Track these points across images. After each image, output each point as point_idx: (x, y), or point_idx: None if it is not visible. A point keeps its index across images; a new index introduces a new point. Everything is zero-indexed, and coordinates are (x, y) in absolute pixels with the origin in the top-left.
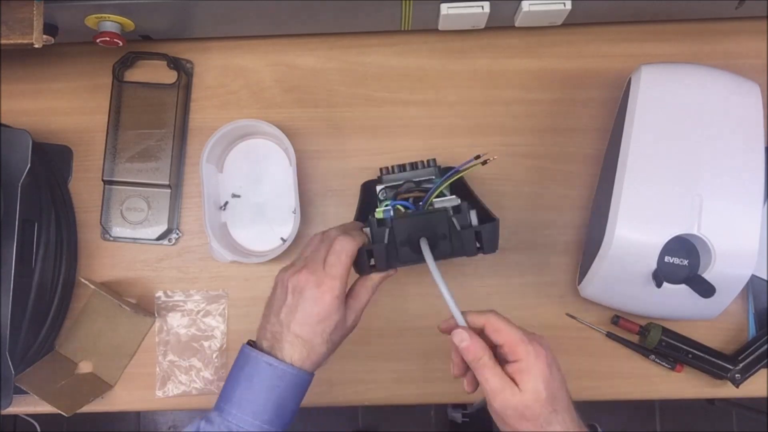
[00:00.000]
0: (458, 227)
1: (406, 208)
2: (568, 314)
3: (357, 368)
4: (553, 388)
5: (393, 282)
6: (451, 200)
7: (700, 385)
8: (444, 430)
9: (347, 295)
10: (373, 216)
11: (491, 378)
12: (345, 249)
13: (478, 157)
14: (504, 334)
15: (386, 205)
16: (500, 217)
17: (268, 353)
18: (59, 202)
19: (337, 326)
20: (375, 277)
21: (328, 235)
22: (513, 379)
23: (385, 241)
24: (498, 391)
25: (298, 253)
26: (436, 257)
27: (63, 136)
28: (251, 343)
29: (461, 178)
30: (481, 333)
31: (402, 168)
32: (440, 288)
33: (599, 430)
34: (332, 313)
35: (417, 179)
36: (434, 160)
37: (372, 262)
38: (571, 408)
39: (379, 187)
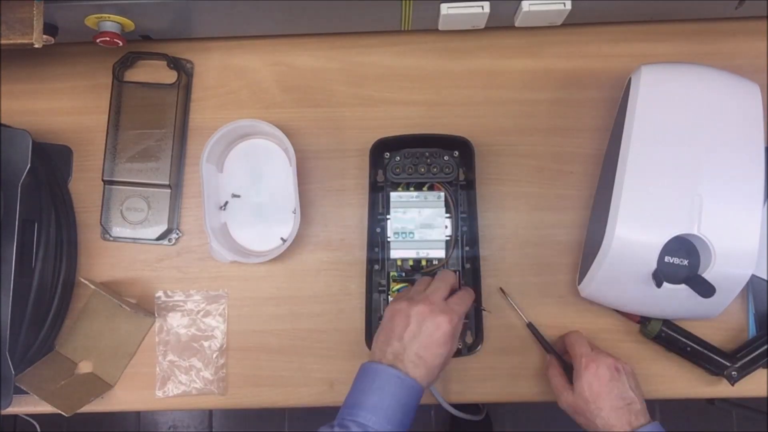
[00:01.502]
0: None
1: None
2: (529, 324)
3: (357, 368)
4: (596, 392)
5: None
6: None
7: (699, 385)
8: (444, 430)
9: None
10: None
11: (556, 383)
12: (471, 297)
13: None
14: (572, 349)
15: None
16: (500, 216)
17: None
18: (59, 202)
19: (450, 352)
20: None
21: (448, 278)
22: (573, 383)
23: None
24: (560, 392)
25: (405, 291)
26: None
27: (63, 136)
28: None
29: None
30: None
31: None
32: None
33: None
34: (450, 341)
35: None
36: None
37: None
38: (626, 411)
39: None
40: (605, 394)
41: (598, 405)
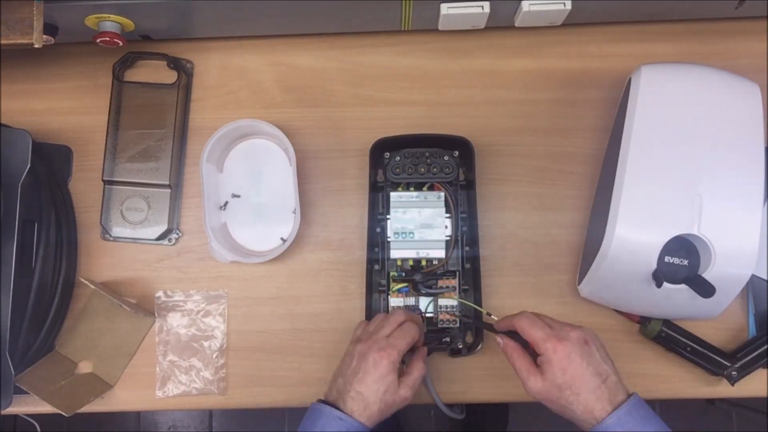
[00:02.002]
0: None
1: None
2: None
3: None
4: (571, 377)
5: None
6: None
7: (699, 385)
8: (444, 430)
9: (403, 373)
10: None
11: (520, 366)
12: (411, 331)
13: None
14: (528, 335)
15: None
16: (501, 216)
17: (335, 407)
18: (59, 202)
19: (389, 389)
20: (422, 351)
21: (396, 317)
22: (541, 369)
23: None
24: (526, 378)
25: (362, 329)
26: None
27: (63, 136)
28: (320, 401)
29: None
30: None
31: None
32: None
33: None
34: (386, 375)
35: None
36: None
37: None
38: (604, 389)
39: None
40: (580, 376)
41: (574, 390)
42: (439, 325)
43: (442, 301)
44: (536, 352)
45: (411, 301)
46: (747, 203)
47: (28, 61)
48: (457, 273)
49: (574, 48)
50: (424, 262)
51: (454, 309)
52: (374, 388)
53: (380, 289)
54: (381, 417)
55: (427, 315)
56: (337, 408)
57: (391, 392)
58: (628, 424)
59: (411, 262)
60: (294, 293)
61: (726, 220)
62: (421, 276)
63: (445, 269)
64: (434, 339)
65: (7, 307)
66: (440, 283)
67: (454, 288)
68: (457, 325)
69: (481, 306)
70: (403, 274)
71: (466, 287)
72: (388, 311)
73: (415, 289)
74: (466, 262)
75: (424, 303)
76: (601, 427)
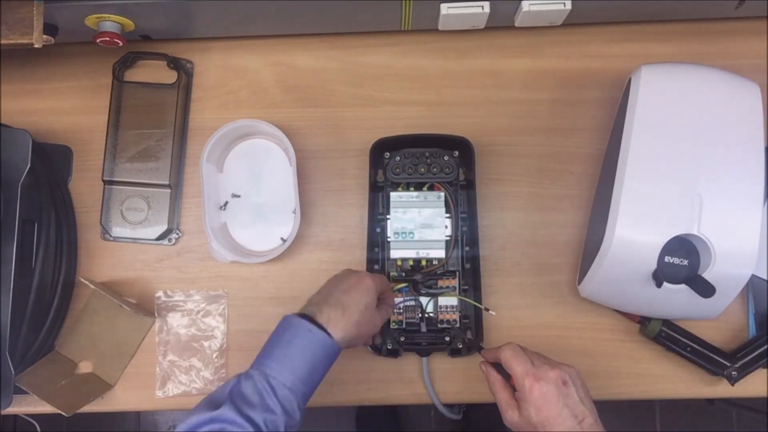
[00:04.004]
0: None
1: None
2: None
3: (357, 368)
4: (545, 417)
5: None
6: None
7: (699, 385)
8: (444, 430)
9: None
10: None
11: (500, 398)
12: (385, 279)
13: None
14: (509, 367)
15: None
16: (501, 216)
17: (309, 321)
18: (59, 202)
19: (369, 305)
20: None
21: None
22: (519, 404)
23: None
24: (504, 410)
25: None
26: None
27: (63, 136)
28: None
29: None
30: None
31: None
32: None
33: None
34: (370, 290)
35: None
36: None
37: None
38: (574, 430)
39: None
40: (554, 417)
41: (547, 429)
42: (439, 325)
43: (442, 301)
44: (515, 386)
45: (411, 301)
46: (747, 203)
47: (28, 61)
48: (457, 273)
49: (574, 48)
50: (424, 262)
51: (454, 309)
52: (356, 299)
53: None
54: (355, 334)
55: (427, 315)
56: (311, 320)
57: (370, 310)
58: None
59: (411, 262)
60: (294, 293)
61: (726, 220)
62: (421, 276)
63: (445, 269)
64: (435, 340)
65: (7, 307)
66: (440, 283)
67: (454, 288)
68: (457, 325)
69: (482, 305)
70: (403, 274)
71: (466, 287)
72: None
73: (415, 289)
74: (466, 262)
75: (424, 302)
76: None
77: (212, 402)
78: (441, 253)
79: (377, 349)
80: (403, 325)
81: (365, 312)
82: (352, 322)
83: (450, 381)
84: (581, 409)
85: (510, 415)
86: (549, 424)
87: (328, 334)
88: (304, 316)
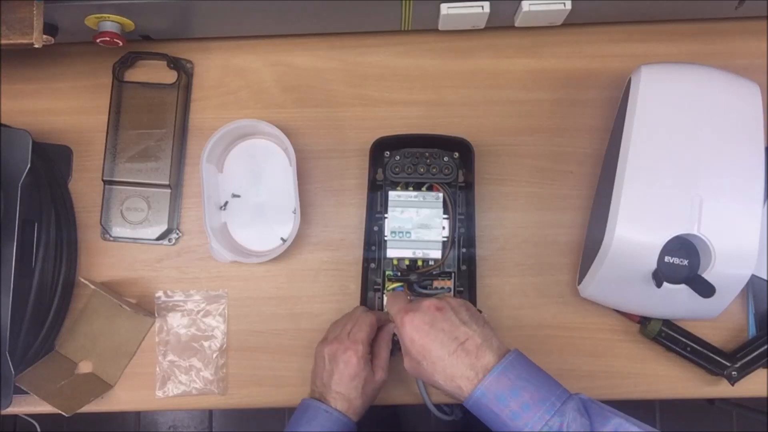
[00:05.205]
0: None
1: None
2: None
3: None
4: (421, 346)
5: None
6: None
7: (699, 385)
8: (443, 430)
9: (372, 357)
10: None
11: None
12: (366, 320)
13: None
14: (390, 312)
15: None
16: (501, 216)
17: (323, 402)
18: (59, 202)
19: (367, 381)
20: (387, 329)
21: (354, 313)
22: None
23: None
24: (403, 362)
25: (329, 330)
26: None
27: (63, 136)
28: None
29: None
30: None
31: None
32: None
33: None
34: (360, 371)
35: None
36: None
37: None
38: (462, 353)
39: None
40: (430, 343)
41: (429, 360)
42: None
43: None
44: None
45: None
46: (747, 203)
47: (28, 61)
48: (453, 274)
49: (574, 48)
50: (420, 262)
51: None
52: (352, 386)
53: (375, 287)
54: (365, 406)
55: None
56: (324, 403)
57: (368, 383)
58: (498, 388)
59: (407, 262)
60: (294, 293)
61: (726, 220)
62: (416, 276)
63: (441, 270)
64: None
65: (7, 307)
66: (435, 283)
67: (449, 289)
68: None
69: (475, 306)
70: (399, 274)
71: (461, 289)
72: (382, 310)
73: (410, 289)
74: (462, 263)
75: None
76: (469, 400)
77: None
78: (437, 254)
79: None
80: None
81: (365, 389)
82: (359, 405)
83: None
84: (462, 330)
85: (405, 362)
86: (428, 354)
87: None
88: (318, 398)
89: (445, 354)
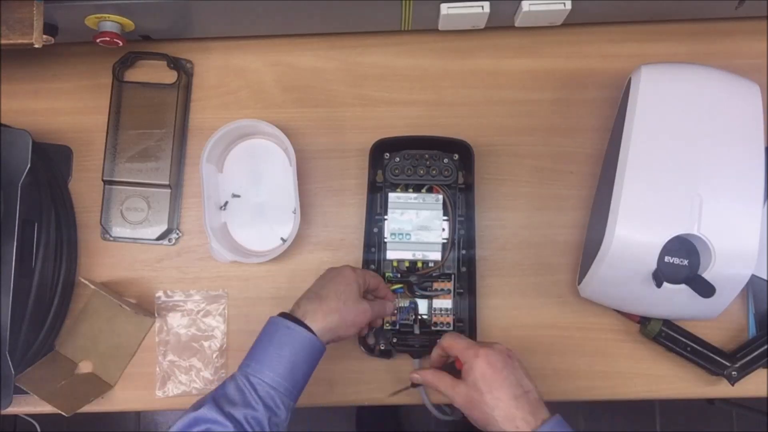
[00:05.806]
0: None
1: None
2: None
3: (357, 368)
4: (491, 381)
5: None
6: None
7: (699, 385)
8: (444, 430)
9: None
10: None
11: (444, 386)
12: (371, 274)
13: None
14: (454, 349)
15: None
16: (500, 216)
17: (289, 318)
18: (59, 202)
19: (350, 295)
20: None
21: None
22: (464, 376)
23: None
24: (451, 392)
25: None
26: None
27: (63, 136)
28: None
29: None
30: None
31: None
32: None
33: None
34: (347, 279)
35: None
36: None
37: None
38: (525, 400)
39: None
40: (501, 381)
41: (495, 395)
42: (433, 328)
43: (436, 303)
44: (460, 362)
45: (405, 302)
46: (747, 203)
47: (28, 61)
48: (453, 276)
49: (574, 48)
50: (420, 264)
51: (449, 312)
52: (333, 287)
53: None
54: (336, 322)
55: (421, 317)
56: (291, 318)
57: (350, 297)
58: None
59: (407, 264)
60: (294, 293)
61: (726, 220)
62: (416, 278)
63: (440, 272)
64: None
65: (7, 307)
66: (435, 285)
67: (449, 291)
68: (451, 327)
69: (475, 307)
70: (399, 275)
71: (461, 290)
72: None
73: (410, 291)
74: (462, 265)
75: (418, 305)
76: None
77: (199, 405)
78: (437, 256)
79: (370, 350)
80: (397, 327)
81: (344, 299)
82: (331, 310)
83: None
84: (526, 381)
85: (457, 391)
86: (496, 388)
87: (308, 328)
88: (285, 314)
89: (512, 395)
